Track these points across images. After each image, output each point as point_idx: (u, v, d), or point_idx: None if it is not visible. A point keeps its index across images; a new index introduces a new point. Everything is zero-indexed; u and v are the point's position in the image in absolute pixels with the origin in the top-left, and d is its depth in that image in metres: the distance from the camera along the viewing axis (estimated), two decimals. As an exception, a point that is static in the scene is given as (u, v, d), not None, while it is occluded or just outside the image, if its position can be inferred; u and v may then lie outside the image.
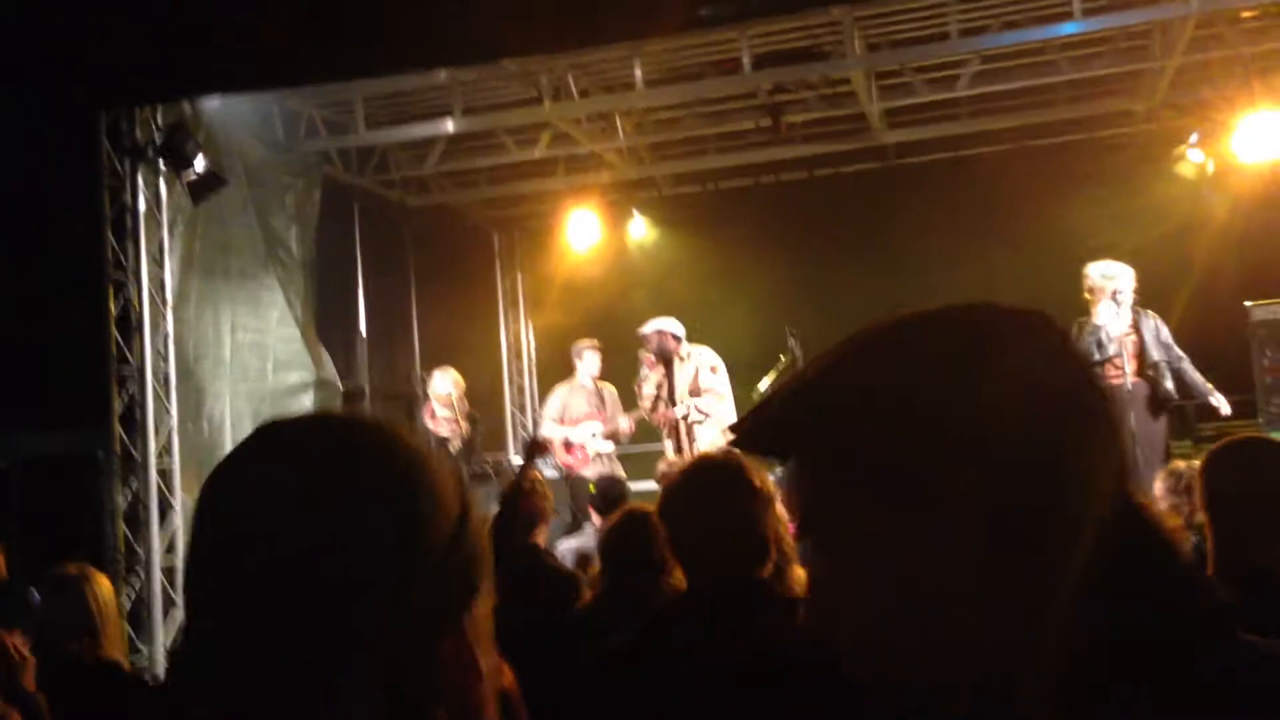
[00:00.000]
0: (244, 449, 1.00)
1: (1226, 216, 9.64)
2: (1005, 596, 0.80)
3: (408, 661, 0.89)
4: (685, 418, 8.56)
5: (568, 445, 8.97)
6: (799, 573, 2.64)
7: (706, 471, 2.38)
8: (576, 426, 9.00)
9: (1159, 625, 0.79)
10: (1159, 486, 5.06)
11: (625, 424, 8.99)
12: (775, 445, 0.94)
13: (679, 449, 8.55)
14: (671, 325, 8.78)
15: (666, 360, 8.73)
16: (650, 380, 8.85)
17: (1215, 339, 8.79)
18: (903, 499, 0.81)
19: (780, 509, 2.64)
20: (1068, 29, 7.71)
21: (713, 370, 8.61)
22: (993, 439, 0.80)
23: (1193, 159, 9.64)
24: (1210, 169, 9.61)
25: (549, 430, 9.07)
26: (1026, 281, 9.41)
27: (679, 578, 2.81)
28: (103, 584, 3.74)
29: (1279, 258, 9.31)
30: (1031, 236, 9.76)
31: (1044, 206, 9.82)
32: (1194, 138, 9.59)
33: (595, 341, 9.30)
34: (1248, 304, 8.84)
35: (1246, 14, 8.21)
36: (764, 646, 2.06)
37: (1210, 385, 7.54)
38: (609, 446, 9.00)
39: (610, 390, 9.22)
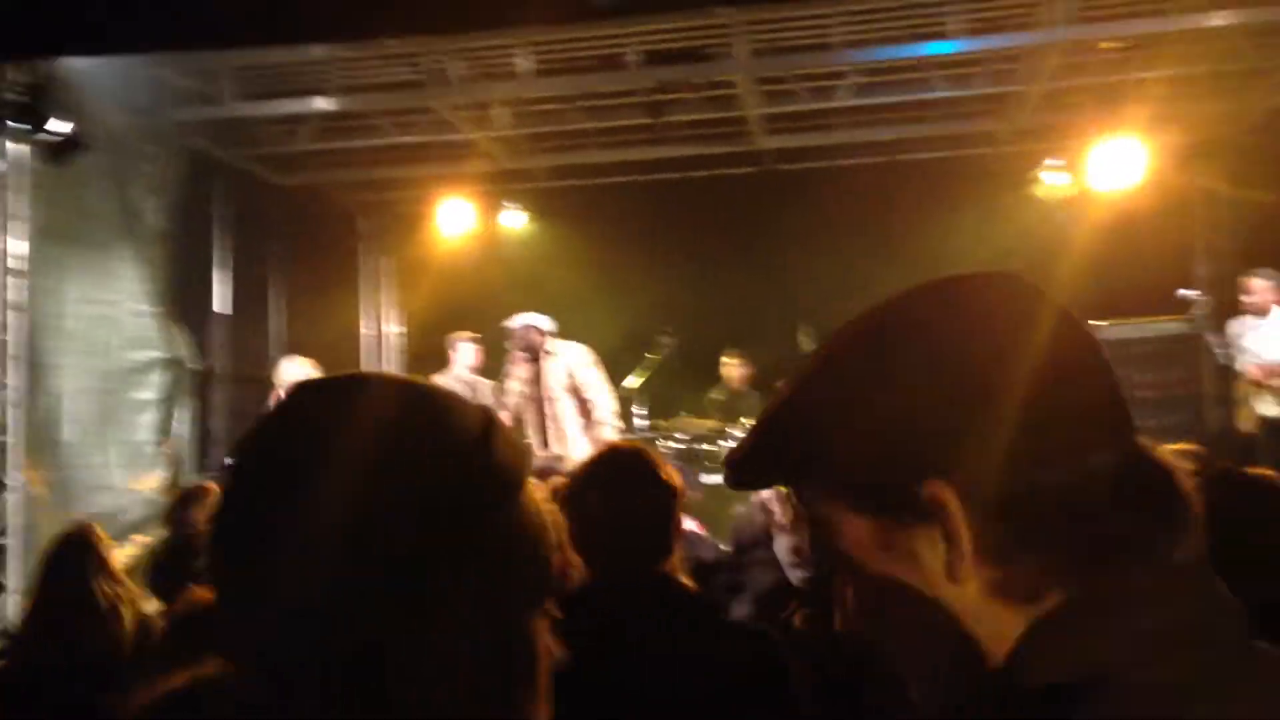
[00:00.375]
0: (292, 409, 0.92)
1: (1082, 239, 10.04)
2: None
3: (486, 636, 0.83)
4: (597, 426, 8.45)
5: None
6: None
7: (618, 462, 2.32)
8: None
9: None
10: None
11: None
12: (772, 478, 0.97)
13: (544, 444, 8.47)
14: (539, 320, 8.73)
15: (533, 355, 8.67)
16: (515, 376, 8.76)
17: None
18: (885, 510, 0.80)
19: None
20: (945, 48, 7.92)
21: (588, 366, 8.58)
22: (939, 429, 0.79)
23: (1050, 182, 10.03)
24: (1067, 193, 10.02)
25: None
26: (891, 291, 9.65)
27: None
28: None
29: (1132, 281, 9.75)
30: (900, 249, 9.97)
31: (913, 220, 10.07)
32: (1051, 162, 9.99)
33: (472, 334, 9.17)
34: (1099, 324, 9.22)
35: (1106, 45, 8.56)
36: (678, 638, 2.02)
37: None
38: None
39: (484, 384, 9.11)
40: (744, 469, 0.92)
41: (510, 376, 8.82)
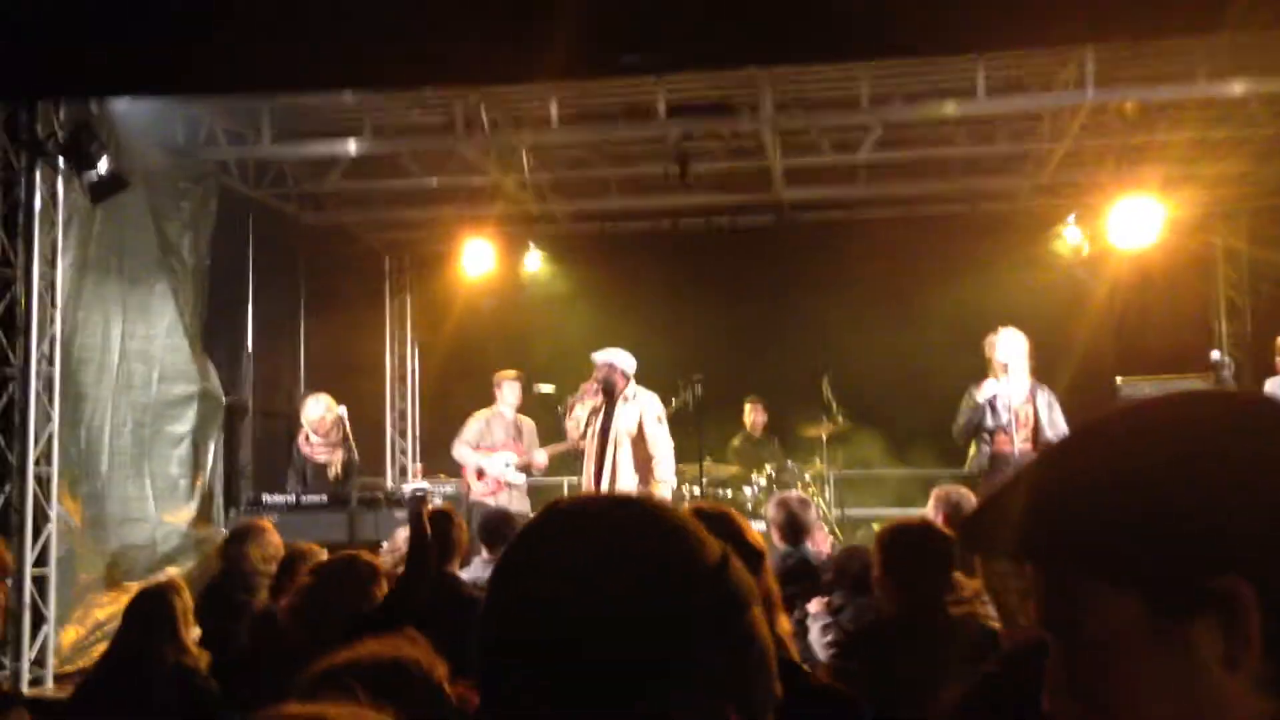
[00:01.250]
0: (548, 527, 1.05)
1: (1100, 296, 10.19)
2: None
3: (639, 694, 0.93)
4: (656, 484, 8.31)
5: (480, 474, 8.88)
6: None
7: (707, 526, 2.44)
8: (492, 455, 8.90)
9: None
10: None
11: (541, 458, 8.94)
12: (1018, 548, 0.94)
13: (596, 485, 8.34)
14: (624, 360, 8.44)
15: (609, 393, 8.35)
16: (585, 406, 8.44)
17: (1085, 413, 9.23)
18: (1165, 597, 0.83)
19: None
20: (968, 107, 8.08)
21: (658, 420, 8.33)
22: (1256, 534, 0.82)
23: (1069, 239, 10.18)
24: (1085, 250, 10.17)
25: (463, 455, 8.96)
26: (909, 344, 9.79)
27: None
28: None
29: (1150, 337, 9.88)
30: (920, 302, 10.12)
31: (932, 274, 10.20)
32: (1071, 219, 10.14)
33: (518, 373, 9.18)
34: (1118, 380, 9.33)
35: (1124, 108, 8.73)
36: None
37: None
38: (521, 478, 8.94)
39: (529, 423, 9.13)
40: (993, 533, 0.95)
41: (579, 405, 8.50)
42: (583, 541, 1.00)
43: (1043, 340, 9.54)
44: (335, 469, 8.58)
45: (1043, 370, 8.82)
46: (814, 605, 4.58)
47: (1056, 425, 7.57)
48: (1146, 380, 9.12)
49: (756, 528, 8.02)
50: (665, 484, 8.27)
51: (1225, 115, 8.60)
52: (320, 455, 8.66)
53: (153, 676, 3.66)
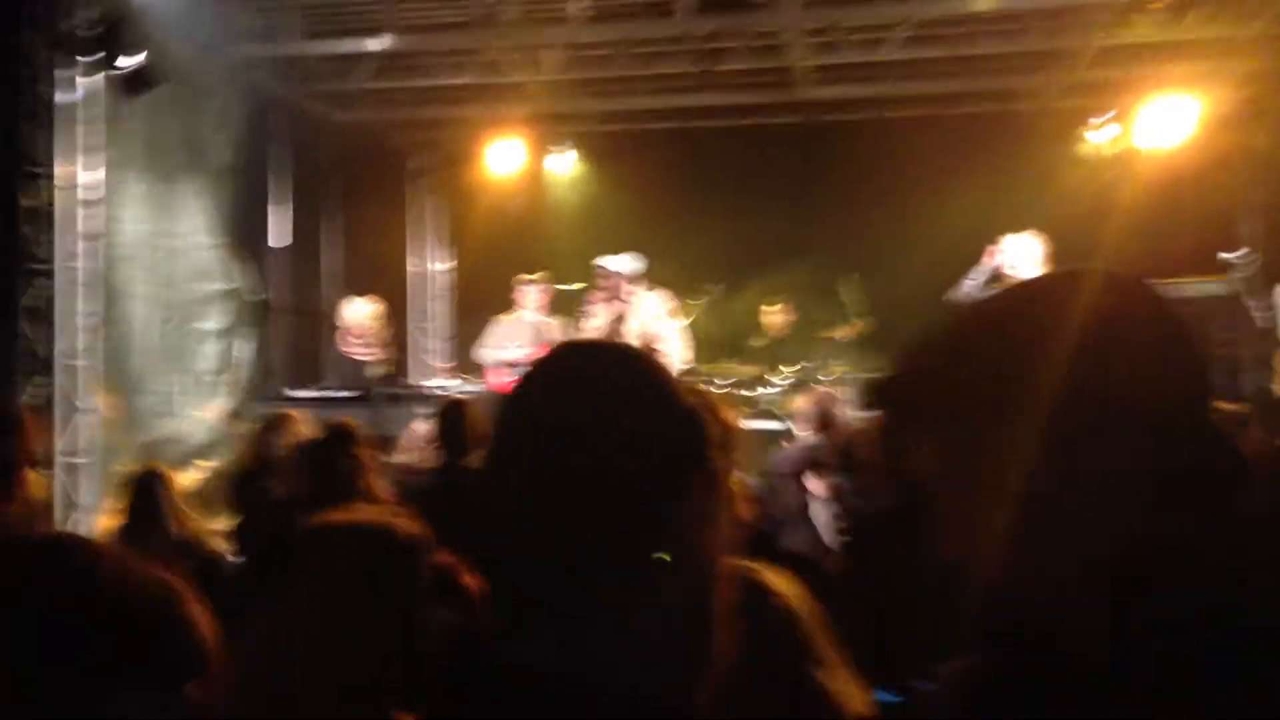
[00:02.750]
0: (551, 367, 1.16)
1: (1129, 197, 10.08)
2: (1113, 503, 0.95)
3: (697, 553, 1.05)
4: None
5: (510, 366, 8.91)
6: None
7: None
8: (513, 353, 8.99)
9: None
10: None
11: None
12: (923, 403, 1.07)
13: None
14: (628, 265, 8.54)
15: (616, 300, 8.51)
16: (600, 315, 8.59)
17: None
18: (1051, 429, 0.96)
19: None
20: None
21: (669, 314, 8.52)
22: (1105, 375, 0.97)
23: (1098, 139, 10.05)
24: (1115, 150, 10.05)
25: (483, 356, 9.07)
26: (939, 246, 9.74)
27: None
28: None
29: (1177, 240, 9.78)
30: (945, 202, 10.03)
31: (958, 174, 10.11)
32: (1103, 118, 10.00)
33: (542, 276, 9.24)
34: (1139, 282, 9.27)
35: (1155, 5, 8.56)
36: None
37: None
38: None
39: (553, 324, 9.12)
40: (904, 395, 1.08)
41: (588, 317, 8.69)
42: (576, 400, 1.08)
43: (1069, 241, 9.51)
44: (379, 369, 8.70)
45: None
46: (816, 485, 4.70)
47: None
48: (1167, 283, 9.07)
49: (773, 427, 8.13)
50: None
51: (1257, 11, 8.41)
52: (358, 353, 8.80)
53: (164, 548, 3.85)
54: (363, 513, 1.88)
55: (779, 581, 1.23)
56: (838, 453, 4.88)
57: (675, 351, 8.41)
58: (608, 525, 1.02)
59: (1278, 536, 0.97)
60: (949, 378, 1.03)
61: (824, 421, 5.59)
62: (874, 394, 1.08)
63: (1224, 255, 7.88)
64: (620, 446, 1.03)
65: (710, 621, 1.05)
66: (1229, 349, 8.90)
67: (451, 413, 4.75)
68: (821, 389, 6.22)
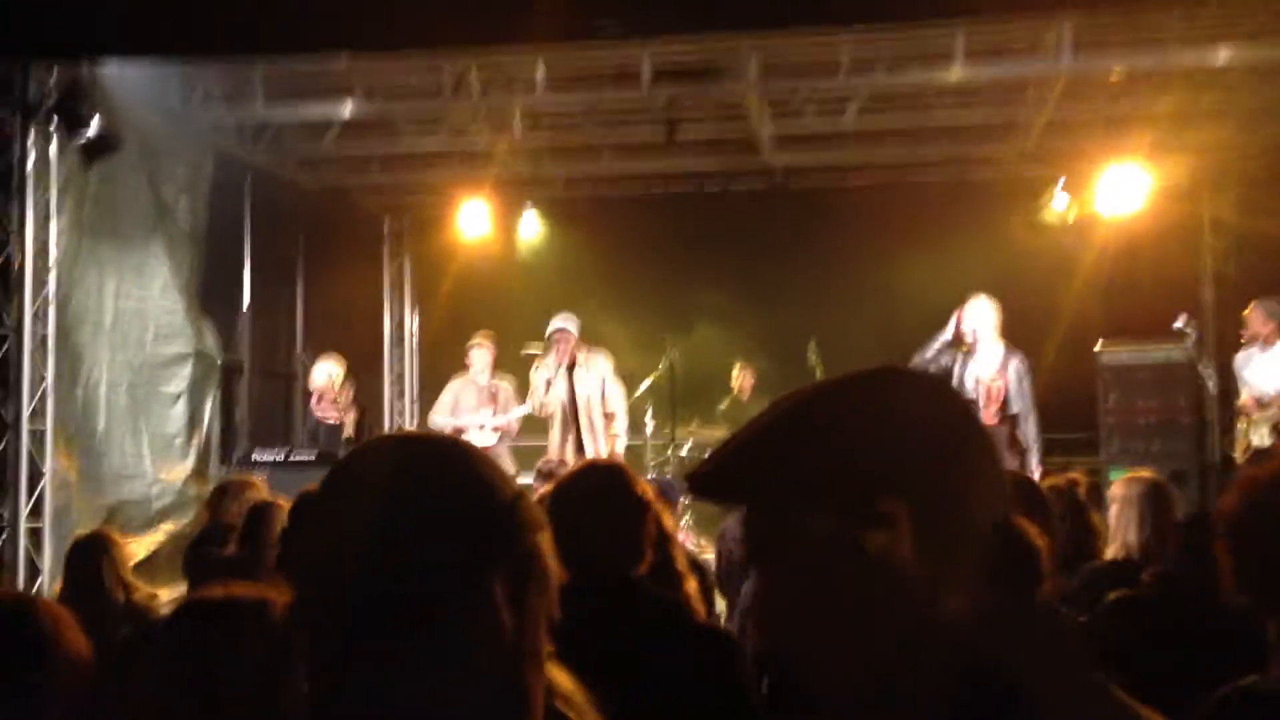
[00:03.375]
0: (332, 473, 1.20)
1: (1087, 263, 10.29)
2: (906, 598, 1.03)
3: (443, 618, 1.09)
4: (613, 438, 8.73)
5: (457, 432, 9.06)
6: (686, 579, 2.86)
7: (592, 475, 2.63)
8: (464, 419, 9.10)
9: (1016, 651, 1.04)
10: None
11: (514, 420, 9.12)
12: (733, 488, 1.15)
13: (579, 449, 8.64)
14: (575, 324, 8.84)
15: (570, 360, 8.76)
16: (548, 368, 8.80)
17: (1069, 379, 9.42)
18: (846, 510, 1.04)
19: (664, 519, 2.91)
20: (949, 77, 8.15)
21: (614, 375, 8.79)
22: (909, 469, 1.05)
23: (1057, 206, 10.27)
24: (1073, 217, 10.25)
25: (435, 422, 9.17)
26: (900, 311, 9.89)
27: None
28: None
29: (1135, 305, 9.96)
30: (906, 267, 10.20)
31: (920, 239, 10.29)
32: (1059, 185, 10.22)
33: (489, 335, 9.37)
34: (1097, 348, 9.44)
35: (1110, 78, 8.78)
36: (640, 639, 2.31)
37: (1036, 450, 7.85)
38: (492, 439, 9.05)
39: (504, 386, 9.28)
40: (718, 481, 1.14)
41: (543, 368, 8.87)
42: (382, 490, 1.14)
43: (1029, 306, 9.69)
44: (348, 430, 8.80)
45: (1028, 337, 8.97)
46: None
47: (1025, 396, 7.69)
48: (1125, 347, 9.25)
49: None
50: (620, 438, 8.75)
51: (1210, 82, 8.63)
52: (331, 417, 8.89)
53: (104, 615, 3.86)
54: (239, 589, 1.94)
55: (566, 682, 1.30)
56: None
57: (621, 409, 8.71)
58: (406, 610, 1.07)
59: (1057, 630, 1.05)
60: (751, 467, 1.11)
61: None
62: (688, 480, 1.16)
63: (1177, 323, 8.05)
64: (422, 535, 1.09)
65: (525, 702, 1.12)
66: (1192, 413, 9.05)
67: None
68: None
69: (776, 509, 1.09)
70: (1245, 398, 8.06)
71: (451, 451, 1.19)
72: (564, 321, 8.82)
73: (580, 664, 1.97)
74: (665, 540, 2.75)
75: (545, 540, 1.18)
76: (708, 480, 1.14)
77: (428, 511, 1.11)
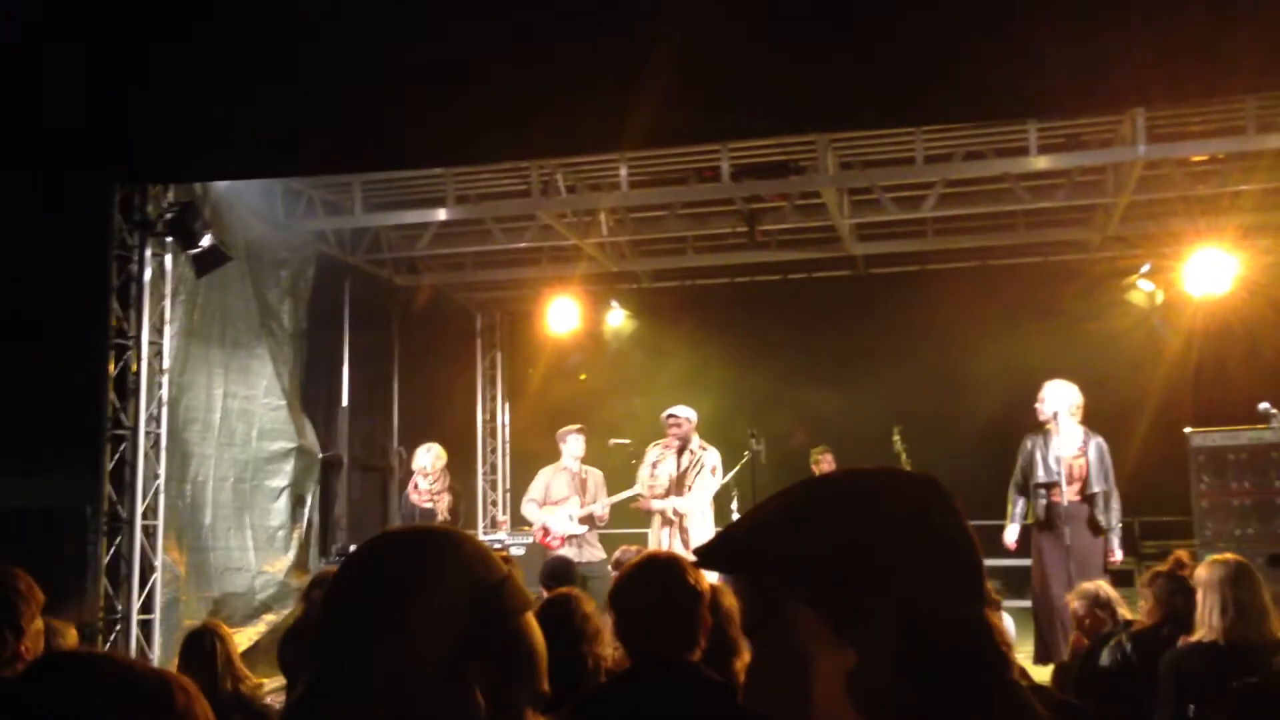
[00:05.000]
0: (349, 560, 1.40)
1: (1175, 346, 10.20)
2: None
3: (443, 690, 1.26)
4: (663, 512, 8.91)
5: (545, 531, 9.29)
6: (742, 662, 3.01)
7: (650, 567, 2.79)
8: (557, 508, 9.31)
9: None
10: (1076, 604, 5.50)
11: (601, 509, 9.28)
12: (732, 564, 1.24)
13: (661, 528, 8.85)
14: (687, 412, 9.08)
15: (684, 447, 9.01)
16: (669, 460, 9.07)
17: (1162, 463, 9.31)
18: (839, 610, 1.13)
19: (725, 605, 3.06)
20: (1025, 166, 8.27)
21: (712, 472, 8.93)
22: (899, 572, 1.14)
23: (1143, 289, 10.23)
24: (1159, 300, 10.20)
25: (529, 512, 9.40)
26: (985, 397, 9.90)
27: (608, 655, 3.25)
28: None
29: (1224, 387, 9.82)
30: (990, 353, 10.23)
31: (1003, 325, 10.34)
32: (1144, 269, 10.19)
33: (581, 426, 9.59)
34: (1187, 430, 9.30)
35: (1196, 158, 8.81)
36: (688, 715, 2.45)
37: (1119, 531, 7.87)
38: (582, 529, 9.23)
39: (595, 474, 9.47)
40: (721, 556, 1.24)
41: (663, 461, 9.11)
42: (377, 571, 1.34)
43: (1117, 391, 9.63)
44: (442, 514, 9.06)
45: (1118, 420, 8.92)
46: None
47: (1107, 476, 7.67)
48: (1216, 430, 9.10)
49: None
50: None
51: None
52: (427, 502, 9.18)
53: (215, 703, 4.09)
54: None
55: None
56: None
57: (699, 506, 8.82)
58: (404, 690, 1.24)
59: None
60: (750, 546, 1.21)
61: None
62: (695, 553, 1.29)
63: (1262, 406, 7.96)
64: (414, 622, 1.26)
65: None
66: (1273, 494, 8.87)
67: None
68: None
69: (769, 589, 1.17)
70: None
71: (436, 540, 1.36)
72: (680, 410, 9.05)
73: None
74: (723, 619, 2.90)
75: (528, 624, 1.33)
76: (711, 554, 1.24)
77: (408, 599, 1.28)
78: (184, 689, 1.32)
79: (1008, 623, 6.57)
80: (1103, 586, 5.57)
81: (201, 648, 4.52)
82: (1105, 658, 4.75)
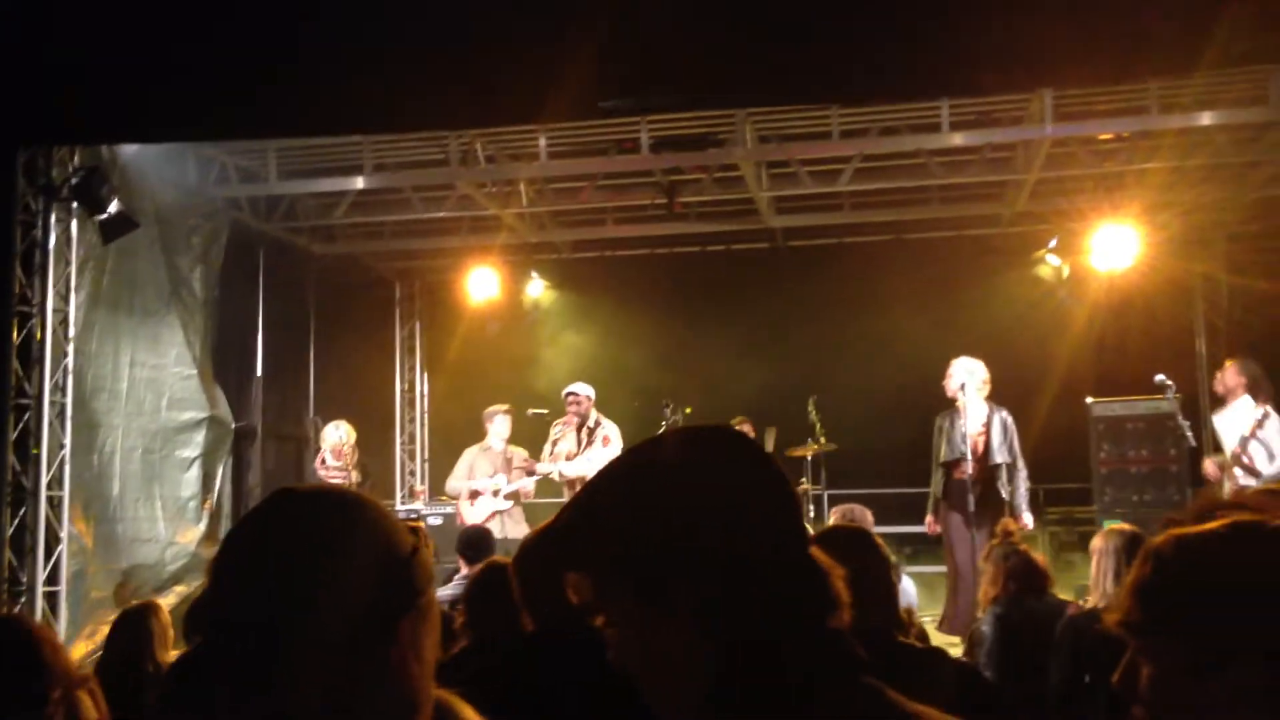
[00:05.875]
0: (251, 519, 1.35)
1: (1080, 318, 10.48)
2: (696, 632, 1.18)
3: (349, 663, 1.24)
4: (570, 484, 9.01)
5: (473, 496, 9.30)
6: None
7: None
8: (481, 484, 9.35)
9: (796, 656, 1.17)
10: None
11: (529, 484, 9.36)
12: (562, 560, 1.28)
13: None
14: (585, 390, 9.27)
15: (585, 424, 9.19)
16: (569, 437, 9.22)
17: (1062, 432, 9.59)
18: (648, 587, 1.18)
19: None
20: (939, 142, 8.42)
21: (605, 442, 9.05)
22: (694, 538, 1.17)
23: (1051, 263, 10.49)
24: (1066, 274, 10.46)
25: (452, 487, 9.42)
26: (899, 367, 10.08)
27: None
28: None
29: (1125, 358, 10.12)
30: (905, 324, 10.41)
31: (918, 296, 10.53)
32: (1052, 244, 10.44)
33: (509, 407, 9.61)
34: (1088, 400, 9.59)
35: (1104, 136, 9.02)
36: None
37: (1026, 501, 8.04)
38: (508, 504, 9.26)
39: (519, 453, 9.51)
40: (550, 553, 1.31)
41: (562, 439, 9.27)
42: (287, 536, 1.28)
43: (1025, 361, 9.88)
44: (350, 487, 8.96)
45: (1024, 391, 9.14)
46: None
47: (1011, 449, 7.88)
48: (1116, 400, 9.40)
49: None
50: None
51: (1199, 144, 8.86)
52: (335, 478, 9.12)
53: (140, 684, 4.06)
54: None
55: (468, 711, 1.44)
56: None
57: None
58: (310, 660, 1.22)
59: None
60: (585, 529, 1.24)
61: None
62: (522, 547, 1.32)
63: (1158, 378, 8.22)
64: (323, 591, 1.23)
65: None
66: (1179, 463, 9.19)
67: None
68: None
69: (607, 579, 1.22)
70: (1206, 464, 8.04)
71: (352, 511, 1.31)
72: (578, 388, 9.24)
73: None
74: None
75: (433, 599, 1.33)
76: (528, 557, 1.28)
77: (343, 563, 1.25)
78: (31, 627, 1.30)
79: (907, 585, 6.73)
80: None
81: (133, 628, 4.43)
82: (984, 626, 4.89)
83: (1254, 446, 7.37)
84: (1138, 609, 1.36)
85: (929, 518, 8.21)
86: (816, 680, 1.17)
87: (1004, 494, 7.80)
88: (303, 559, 1.25)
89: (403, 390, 12.96)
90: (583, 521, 1.25)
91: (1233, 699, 1.27)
